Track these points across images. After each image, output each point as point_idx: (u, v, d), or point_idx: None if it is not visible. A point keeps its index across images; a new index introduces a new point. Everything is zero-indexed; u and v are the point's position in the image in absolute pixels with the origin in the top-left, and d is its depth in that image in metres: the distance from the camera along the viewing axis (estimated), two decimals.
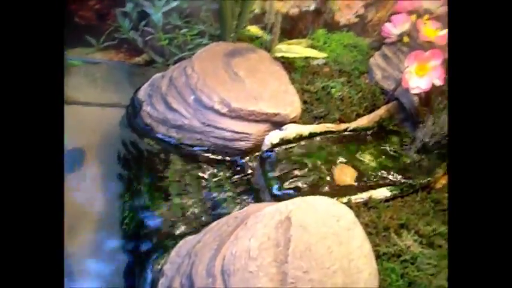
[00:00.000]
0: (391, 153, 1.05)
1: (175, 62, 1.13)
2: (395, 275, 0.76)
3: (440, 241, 0.84)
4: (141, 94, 1.08)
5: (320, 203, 0.79)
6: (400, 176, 0.98)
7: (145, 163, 0.99)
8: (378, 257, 0.78)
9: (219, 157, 0.98)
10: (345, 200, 0.88)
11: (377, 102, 1.11)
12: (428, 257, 0.80)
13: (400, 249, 0.81)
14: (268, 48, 1.10)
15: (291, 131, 0.97)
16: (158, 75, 1.10)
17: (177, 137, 0.99)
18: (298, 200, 0.80)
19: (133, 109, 1.08)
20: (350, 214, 0.80)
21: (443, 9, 1.03)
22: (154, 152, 1.00)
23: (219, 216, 0.89)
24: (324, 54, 1.12)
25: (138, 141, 1.03)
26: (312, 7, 1.14)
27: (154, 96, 1.03)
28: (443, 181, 1.00)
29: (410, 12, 1.07)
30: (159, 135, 1.01)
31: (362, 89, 1.13)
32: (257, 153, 0.97)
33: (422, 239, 0.84)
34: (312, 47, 1.16)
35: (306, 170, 0.93)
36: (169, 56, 1.18)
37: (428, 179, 0.98)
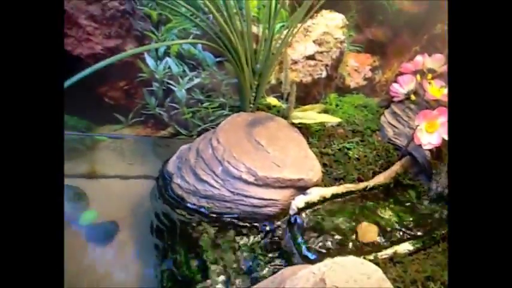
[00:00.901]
0: (409, 206, 1.11)
1: (199, 133, 1.22)
2: None
3: None
4: (170, 167, 1.15)
5: (350, 262, 0.85)
6: (421, 229, 1.04)
7: (179, 233, 1.05)
8: None
9: (249, 223, 1.04)
10: (371, 257, 0.93)
11: (391, 159, 1.18)
12: None
13: None
14: (286, 116, 1.18)
15: (315, 194, 1.02)
16: (185, 147, 1.18)
17: (207, 206, 1.06)
18: (329, 262, 0.85)
19: (164, 181, 1.15)
20: (378, 271, 0.84)
21: (444, 68, 1.11)
22: (186, 221, 1.06)
23: (255, 280, 0.95)
24: (338, 119, 1.19)
25: (170, 212, 1.09)
26: (324, 74, 1.22)
27: (184, 168, 1.11)
28: None
29: (414, 73, 1.16)
30: (191, 205, 1.07)
31: (376, 147, 1.20)
32: (284, 218, 1.03)
33: None
34: (326, 110, 1.24)
35: (332, 231, 0.98)
36: (193, 127, 1.27)
37: (448, 229, 1.04)
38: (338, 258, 0.87)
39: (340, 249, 0.95)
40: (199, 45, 1.25)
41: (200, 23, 1.08)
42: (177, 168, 1.14)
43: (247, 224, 1.04)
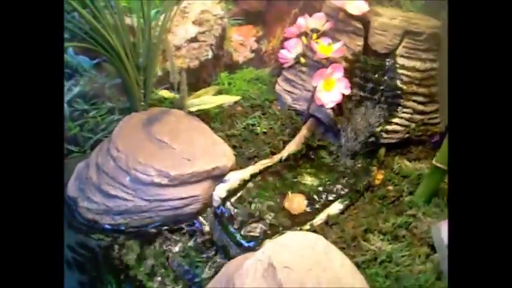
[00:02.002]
0: (326, 166, 1.12)
1: (92, 146, 1.10)
2: (381, 277, 0.81)
3: (401, 231, 0.91)
4: (71, 190, 1.02)
5: (290, 238, 0.82)
6: (343, 186, 1.05)
7: (103, 259, 0.94)
8: (359, 266, 0.81)
9: (175, 228, 0.97)
10: (307, 227, 0.92)
11: (296, 125, 1.17)
12: (399, 250, 0.86)
13: (374, 252, 0.86)
14: (181, 106, 1.11)
15: (234, 179, 0.98)
16: (81, 165, 1.05)
17: (125, 223, 0.96)
18: (271, 244, 0.82)
19: (68, 208, 1.02)
20: (320, 238, 0.83)
21: (328, 25, 1.12)
22: (107, 245, 0.95)
23: (200, 285, 0.89)
24: (236, 97, 1.15)
25: (85, 239, 0.97)
26: (210, 55, 1.17)
27: (87, 188, 0.99)
28: (379, 176, 1.09)
29: (299, 35, 1.15)
30: (107, 227, 0.96)
31: (279, 117, 1.18)
32: (209, 211, 0.98)
33: (387, 235, 0.90)
34: (219, 91, 1.19)
35: (261, 212, 0.95)
36: (84, 142, 1.14)
37: (368, 178, 1.06)
38: (278, 238, 0.85)
39: (275, 228, 0.92)
40: (70, 49, 1.11)
41: (66, 24, 0.96)
42: (79, 190, 1.01)
43: (172, 229, 0.97)
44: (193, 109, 1.10)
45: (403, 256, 0.84)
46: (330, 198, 1.01)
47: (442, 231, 0.80)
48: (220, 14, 1.14)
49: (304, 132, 1.15)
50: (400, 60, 1.12)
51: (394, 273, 0.81)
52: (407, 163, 1.10)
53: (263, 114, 1.18)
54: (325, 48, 1.09)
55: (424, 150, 1.16)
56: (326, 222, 0.94)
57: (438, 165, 0.95)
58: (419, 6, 1.19)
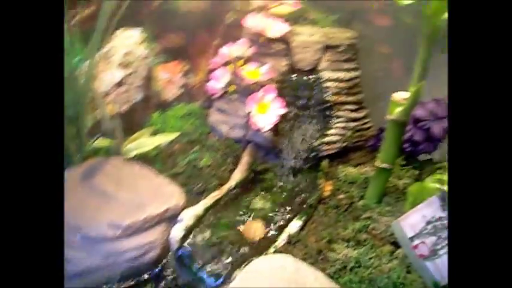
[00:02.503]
0: (275, 188, 1.13)
1: None
2: (355, 283, 0.81)
3: (362, 235, 0.93)
4: None
5: (260, 264, 0.82)
6: (295, 203, 1.06)
7: None
8: (331, 278, 0.82)
9: (135, 280, 0.91)
10: (272, 250, 0.91)
11: (237, 153, 1.17)
12: (365, 253, 0.87)
13: (342, 261, 0.86)
14: (118, 153, 1.07)
15: (188, 217, 0.95)
16: None
17: (82, 286, 0.89)
18: (241, 274, 0.81)
19: None
20: (288, 257, 0.83)
21: (251, 51, 1.14)
22: None
23: None
24: (173, 135, 1.13)
25: None
26: (139, 97, 1.14)
27: None
28: (328, 187, 1.11)
29: (225, 65, 1.15)
30: None
31: (218, 148, 1.18)
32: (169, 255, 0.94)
33: (350, 242, 0.92)
34: (154, 132, 1.16)
35: (222, 245, 0.93)
36: None
37: (318, 192, 1.08)
38: (247, 267, 0.83)
39: (239, 259, 0.90)
40: None
41: None
42: None
43: (133, 283, 0.92)
44: (131, 154, 1.06)
45: (370, 258, 0.86)
46: (286, 217, 1.01)
47: (402, 225, 0.83)
48: (144, 53, 1.12)
49: (246, 158, 1.15)
50: (325, 74, 1.16)
51: (366, 277, 0.82)
52: (352, 169, 1.13)
53: (203, 146, 1.17)
54: (252, 72, 1.11)
55: (363, 155, 1.20)
56: (289, 242, 0.93)
57: (382, 165, 0.98)
58: (333, 20, 1.25)
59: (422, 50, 0.83)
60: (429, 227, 0.78)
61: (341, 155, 1.20)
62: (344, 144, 1.19)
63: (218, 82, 1.17)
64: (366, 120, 1.24)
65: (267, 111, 1.11)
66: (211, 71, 1.18)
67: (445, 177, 0.88)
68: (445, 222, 0.76)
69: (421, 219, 0.80)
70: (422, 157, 1.17)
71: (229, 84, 1.17)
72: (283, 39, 1.16)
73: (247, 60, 1.15)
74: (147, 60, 1.12)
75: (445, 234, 0.76)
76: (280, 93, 1.13)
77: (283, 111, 1.11)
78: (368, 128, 1.25)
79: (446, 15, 0.77)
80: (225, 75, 1.17)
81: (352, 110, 1.21)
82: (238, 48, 1.15)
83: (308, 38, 1.16)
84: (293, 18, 1.17)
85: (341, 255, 0.88)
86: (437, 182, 0.90)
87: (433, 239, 0.78)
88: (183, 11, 1.25)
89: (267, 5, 1.17)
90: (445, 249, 0.76)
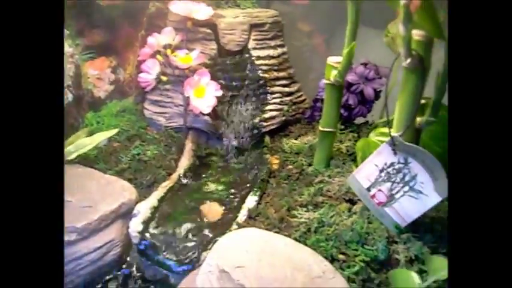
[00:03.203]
0: (223, 170, 1.13)
1: None
2: (323, 242, 0.83)
3: (318, 198, 0.95)
4: None
5: (227, 241, 0.81)
6: (247, 180, 1.07)
7: None
8: (299, 241, 0.83)
9: (100, 284, 0.87)
10: (235, 226, 0.91)
11: (180, 141, 1.15)
12: (325, 214, 0.90)
13: (305, 224, 0.88)
14: None
15: (144, 209, 0.92)
16: None
17: None
18: (211, 253, 0.80)
19: None
20: (253, 229, 0.84)
21: (179, 38, 1.13)
22: None
23: None
24: (113, 130, 1.08)
25: None
26: (70, 97, 1.08)
27: None
28: (275, 161, 1.12)
29: (154, 55, 1.13)
30: None
31: (159, 139, 1.15)
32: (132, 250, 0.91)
33: (308, 206, 0.94)
34: (90, 132, 1.12)
35: (184, 230, 0.91)
36: None
37: (266, 166, 1.09)
38: (215, 245, 0.83)
39: (203, 241, 0.90)
40: None
41: None
42: None
43: (100, 285, 0.88)
44: (71, 156, 1.01)
45: (331, 217, 0.89)
46: (242, 194, 1.02)
47: (357, 178, 0.87)
48: (70, 51, 1.07)
49: (189, 145, 1.14)
50: (255, 53, 1.18)
51: (332, 234, 0.84)
52: (295, 141, 1.16)
53: (142, 141, 1.14)
54: (184, 58, 1.10)
55: (302, 126, 1.24)
56: (249, 217, 0.94)
57: (325, 129, 1.02)
58: (253, 1, 1.27)
59: (350, 12, 0.87)
60: (383, 174, 0.82)
61: (282, 129, 1.22)
62: (283, 119, 1.22)
63: (149, 73, 1.15)
64: (299, 94, 1.28)
65: (204, 95, 1.10)
66: (141, 62, 1.15)
67: (386, 130, 0.93)
68: (397, 166, 0.80)
69: (374, 168, 0.83)
70: (358, 121, 1.23)
71: (160, 74, 1.15)
72: (209, 24, 1.16)
73: (176, 47, 1.13)
74: (73, 57, 1.07)
75: (398, 178, 0.80)
76: (214, 77, 1.14)
77: (220, 93, 1.11)
78: (303, 101, 1.28)
79: None
80: (155, 65, 1.15)
81: (285, 85, 1.24)
82: (166, 37, 1.13)
83: (233, 19, 1.17)
84: (215, 3, 1.18)
85: (303, 219, 0.90)
86: (380, 135, 0.94)
87: (388, 185, 0.81)
88: (104, 4, 1.21)
89: None
90: (401, 193, 0.80)
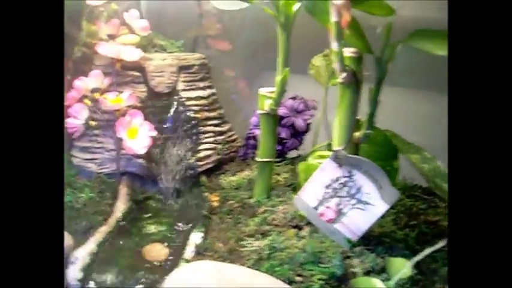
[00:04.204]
0: (161, 210, 1.08)
1: None
2: (277, 266, 0.81)
3: (265, 227, 0.94)
4: None
5: (179, 276, 0.78)
6: (186, 218, 1.04)
7: None
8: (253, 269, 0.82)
9: None
10: (184, 263, 0.87)
11: (114, 186, 1.10)
12: (275, 239, 0.88)
13: (256, 252, 0.86)
14: None
15: (83, 256, 0.85)
16: None
17: None
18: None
19: None
20: (205, 262, 0.82)
21: (107, 81, 1.10)
22: None
23: None
24: None
25: None
26: None
27: None
28: (215, 198, 1.10)
29: (81, 99, 1.09)
30: None
31: (91, 186, 1.08)
32: None
33: (256, 235, 0.92)
34: None
35: (130, 274, 0.85)
36: None
37: (207, 204, 1.07)
38: (165, 282, 0.79)
39: (151, 283, 0.84)
40: None
41: None
42: None
43: None
44: None
45: (282, 242, 0.88)
46: (185, 233, 0.98)
47: (303, 198, 0.87)
48: None
49: (124, 190, 1.09)
50: (184, 94, 1.19)
51: (285, 257, 0.83)
52: (232, 177, 1.16)
53: (74, 189, 1.07)
54: (115, 100, 1.07)
55: (237, 164, 1.24)
56: (198, 252, 0.90)
57: (263, 160, 1.03)
58: (180, 45, 1.29)
59: (280, 39, 0.91)
60: (329, 190, 0.84)
61: (217, 168, 1.22)
62: (218, 157, 1.22)
63: (77, 119, 1.11)
64: (231, 133, 1.29)
65: (137, 136, 1.08)
66: (67, 107, 1.11)
67: (324, 152, 0.96)
68: (342, 180, 0.82)
69: (320, 186, 0.85)
70: (290, 155, 1.25)
71: (89, 118, 1.11)
72: (137, 66, 1.15)
73: (105, 91, 1.11)
74: None
75: (344, 192, 0.82)
76: (146, 118, 1.12)
77: (154, 133, 1.09)
78: (234, 140, 1.29)
79: (298, 4, 0.87)
80: (83, 110, 1.10)
81: (216, 125, 1.25)
82: (94, 80, 1.10)
83: (161, 61, 1.18)
84: (142, 47, 1.18)
85: (253, 248, 0.88)
86: (319, 158, 0.97)
87: (336, 200, 0.83)
88: None
89: (113, 35, 1.15)
90: (349, 206, 0.82)
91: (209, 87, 1.25)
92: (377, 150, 0.92)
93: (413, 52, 0.73)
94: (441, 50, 0.69)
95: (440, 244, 0.69)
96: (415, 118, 1.39)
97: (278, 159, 1.18)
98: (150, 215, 1.06)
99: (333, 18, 0.73)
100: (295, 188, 1.05)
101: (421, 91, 1.42)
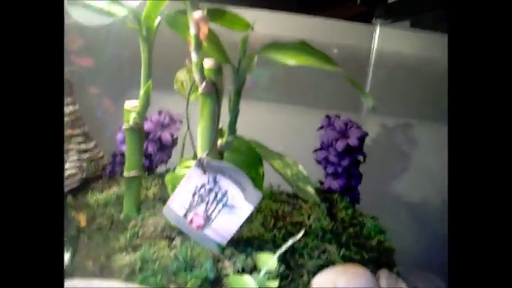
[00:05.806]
0: None
1: None
2: (150, 277, 0.82)
3: (135, 241, 0.93)
4: None
5: None
6: None
7: None
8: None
9: None
10: None
11: None
12: (146, 252, 0.88)
13: (128, 266, 0.85)
14: None
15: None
16: None
17: None
18: None
19: None
20: (75, 280, 0.78)
21: None
22: None
23: None
24: None
25: None
26: None
27: None
28: (82, 217, 1.06)
29: None
30: None
31: None
32: None
33: (127, 249, 0.91)
34: None
35: None
36: None
37: (74, 224, 1.02)
38: None
39: None
40: None
41: None
42: None
43: None
44: None
45: (153, 253, 0.88)
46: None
47: (171, 207, 0.88)
48: None
49: None
50: None
51: (158, 268, 0.84)
52: (99, 195, 1.12)
53: None
54: None
55: (105, 181, 1.20)
56: (66, 274, 0.86)
57: (130, 175, 1.02)
58: None
59: (143, 52, 0.92)
60: (196, 197, 0.86)
61: (84, 187, 1.17)
62: (84, 176, 1.17)
63: None
64: (97, 150, 1.25)
65: None
66: None
67: (190, 162, 0.98)
68: (208, 187, 0.84)
69: (186, 194, 0.87)
70: (159, 170, 1.26)
71: None
72: None
73: None
74: None
75: (211, 198, 0.85)
76: None
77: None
78: (101, 158, 1.26)
79: (159, 18, 0.89)
80: None
81: (81, 142, 1.20)
82: None
83: None
84: None
85: (125, 262, 0.87)
86: (186, 168, 0.99)
87: (203, 206, 0.85)
88: None
89: None
90: (216, 211, 0.85)
91: (72, 103, 1.21)
92: (242, 159, 0.96)
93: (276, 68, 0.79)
94: (292, 61, 0.76)
95: (299, 235, 0.76)
96: (278, 130, 1.49)
97: (146, 174, 1.18)
98: None
99: (192, 31, 0.77)
100: (165, 201, 1.06)
101: (281, 104, 1.53)
